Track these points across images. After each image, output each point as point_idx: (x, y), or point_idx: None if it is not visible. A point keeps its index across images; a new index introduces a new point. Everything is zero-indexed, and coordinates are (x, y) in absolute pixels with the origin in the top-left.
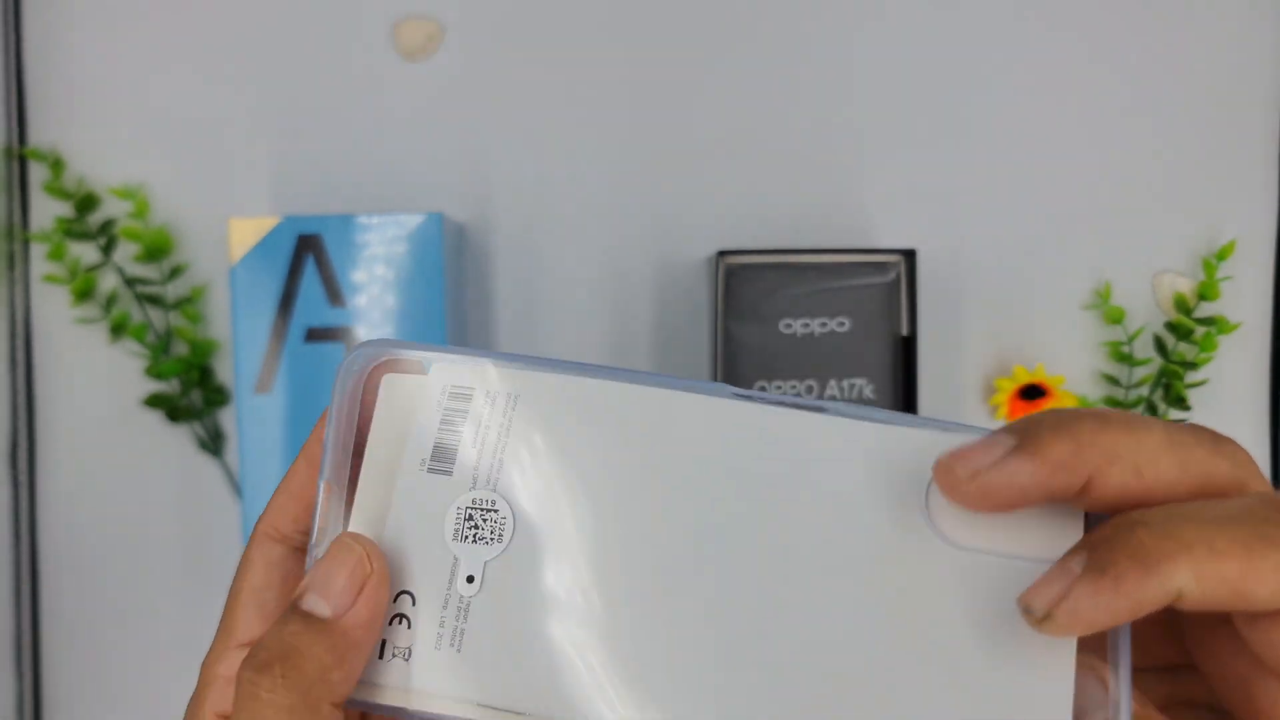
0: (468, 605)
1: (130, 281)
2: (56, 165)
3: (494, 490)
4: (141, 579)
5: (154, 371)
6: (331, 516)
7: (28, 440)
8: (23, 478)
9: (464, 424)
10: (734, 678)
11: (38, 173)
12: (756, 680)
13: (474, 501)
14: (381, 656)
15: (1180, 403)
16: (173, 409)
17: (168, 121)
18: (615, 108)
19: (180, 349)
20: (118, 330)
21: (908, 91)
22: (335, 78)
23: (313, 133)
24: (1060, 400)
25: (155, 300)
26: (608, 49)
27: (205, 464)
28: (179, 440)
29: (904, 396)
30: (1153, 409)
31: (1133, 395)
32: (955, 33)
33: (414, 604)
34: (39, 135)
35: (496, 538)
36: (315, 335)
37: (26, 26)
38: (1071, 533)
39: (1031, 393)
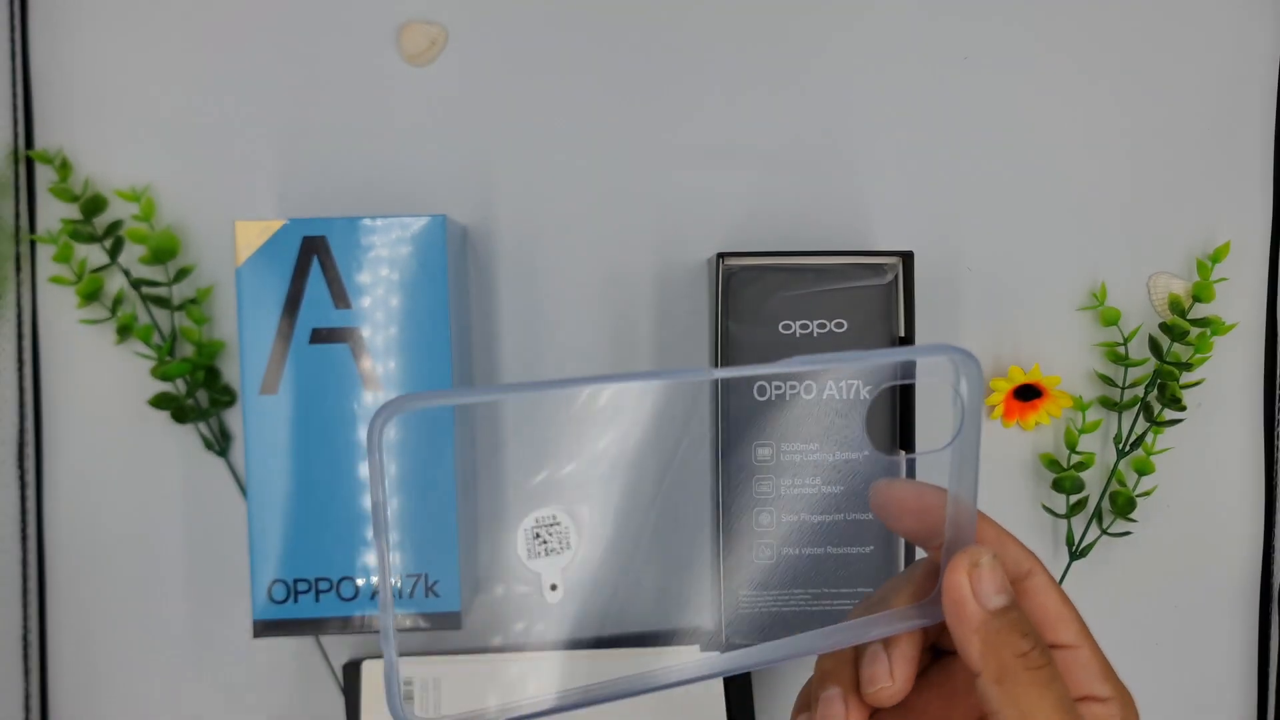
0: None
1: (136, 283)
2: (63, 167)
3: None
4: (147, 578)
5: (160, 372)
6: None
7: (34, 440)
8: (29, 477)
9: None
10: None
11: (44, 175)
12: None
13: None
14: None
15: (1175, 403)
16: (179, 409)
17: (174, 124)
18: (616, 111)
19: (186, 350)
20: (124, 331)
21: (905, 95)
22: (340, 81)
23: (317, 136)
24: (1056, 400)
25: (161, 301)
26: (609, 53)
27: (211, 464)
28: (185, 440)
29: (901, 397)
30: (1148, 409)
31: (1128, 396)
32: (952, 37)
33: None
34: (45, 137)
35: None
36: (320, 336)
37: (33, 29)
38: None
39: (1027, 393)
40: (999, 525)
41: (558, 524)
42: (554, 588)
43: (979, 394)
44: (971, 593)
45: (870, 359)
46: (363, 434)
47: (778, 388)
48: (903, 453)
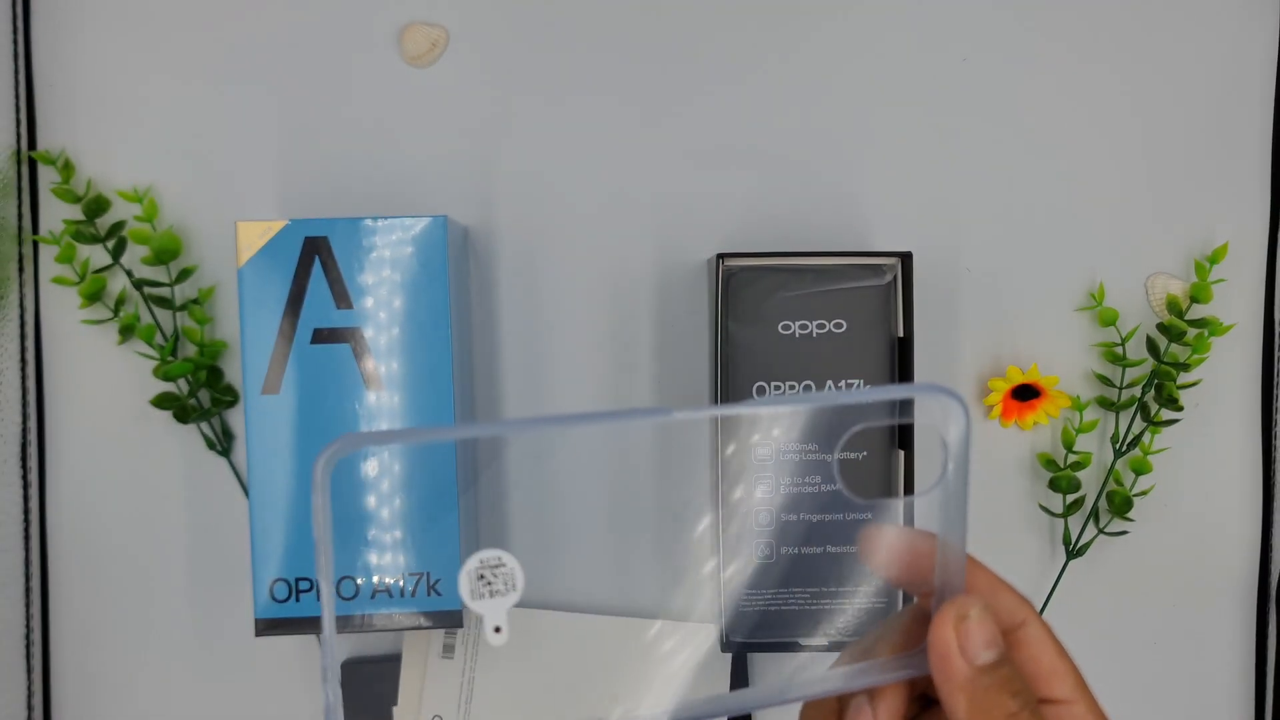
0: None
1: (139, 283)
2: (65, 168)
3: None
4: (150, 578)
5: (162, 372)
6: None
7: (37, 440)
8: (32, 477)
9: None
10: None
11: (47, 176)
12: None
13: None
14: None
15: (1173, 404)
16: (181, 409)
17: (176, 125)
18: (617, 113)
19: (188, 350)
20: (126, 331)
21: (904, 96)
22: (341, 82)
23: (319, 136)
24: (1053, 399)
25: (163, 302)
26: (610, 55)
27: (214, 463)
28: (187, 440)
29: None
30: (1146, 410)
31: (1125, 396)
32: (951, 38)
33: None
34: (48, 138)
35: None
36: (322, 336)
37: (36, 30)
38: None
39: (1025, 393)
40: (992, 571)
41: (503, 565)
42: (498, 630)
43: (965, 438)
44: (958, 648)
45: (855, 398)
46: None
47: (776, 387)
48: (902, 497)
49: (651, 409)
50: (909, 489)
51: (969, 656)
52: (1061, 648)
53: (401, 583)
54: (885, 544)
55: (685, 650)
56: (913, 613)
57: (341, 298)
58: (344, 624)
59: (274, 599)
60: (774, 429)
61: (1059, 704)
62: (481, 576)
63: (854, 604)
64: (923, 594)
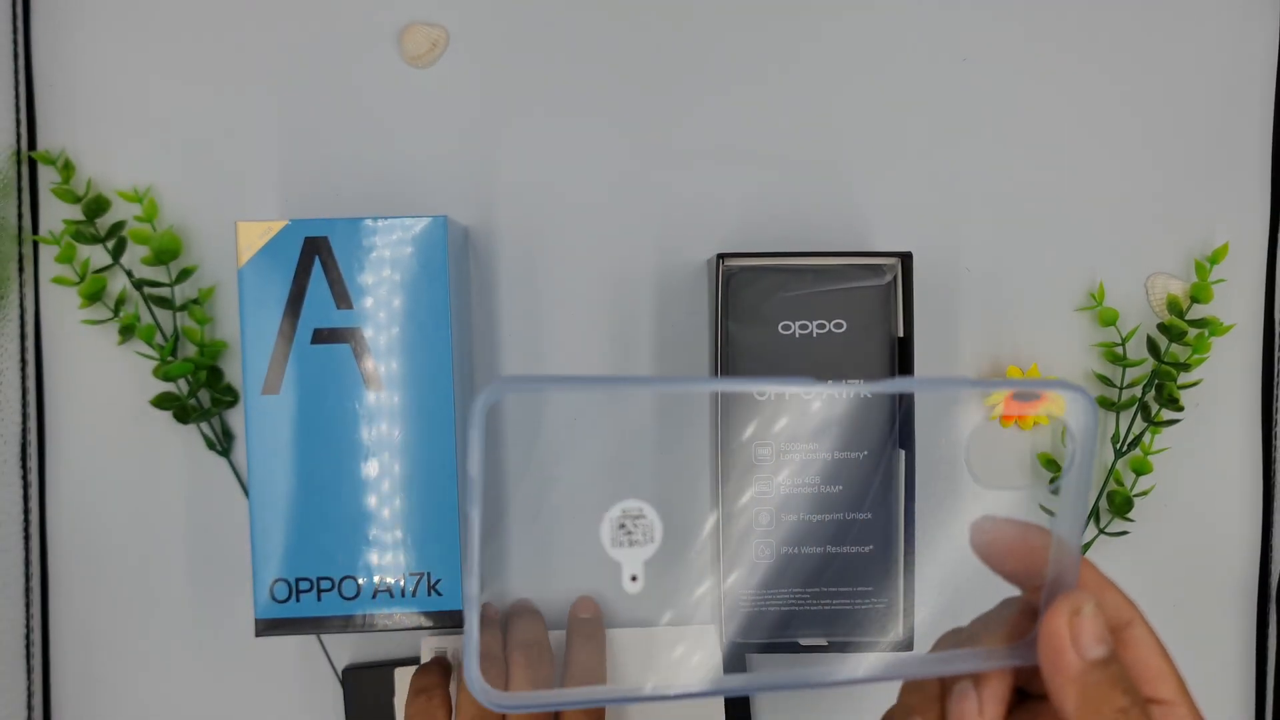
0: None
1: (139, 283)
2: (66, 168)
3: None
4: (149, 577)
5: (162, 372)
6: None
7: (37, 440)
8: (32, 477)
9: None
10: None
11: (47, 176)
12: None
13: None
14: None
15: (1173, 404)
16: (181, 409)
17: (176, 125)
18: (617, 112)
19: (188, 350)
20: (126, 331)
21: (904, 96)
22: (341, 82)
23: (319, 136)
24: (1054, 399)
25: (164, 302)
26: (610, 54)
27: (214, 464)
28: (187, 440)
29: (899, 398)
30: (1146, 410)
31: (1126, 396)
32: (951, 38)
33: None
34: (48, 138)
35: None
36: (322, 336)
37: (36, 30)
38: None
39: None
40: (1100, 571)
41: (643, 517)
42: (634, 579)
43: (1092, 435)
44: (1071, 641)
45: (985, 387)
46: (364, 434)
47: None
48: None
49: (796, 378)
50: (909, 489)
51: (1081, 650)
52: (1165, 649)
53: (402, 583)
54: (999, 536)
55: (685, 651)
56: (1019, 606)
57: (341, 298)
58: (345, 624)
59: (274, 599)
60: (778, 427)
61: (1162, 705)
62: (622, 525)
63: (854, 604)
64: (1030, 587)
